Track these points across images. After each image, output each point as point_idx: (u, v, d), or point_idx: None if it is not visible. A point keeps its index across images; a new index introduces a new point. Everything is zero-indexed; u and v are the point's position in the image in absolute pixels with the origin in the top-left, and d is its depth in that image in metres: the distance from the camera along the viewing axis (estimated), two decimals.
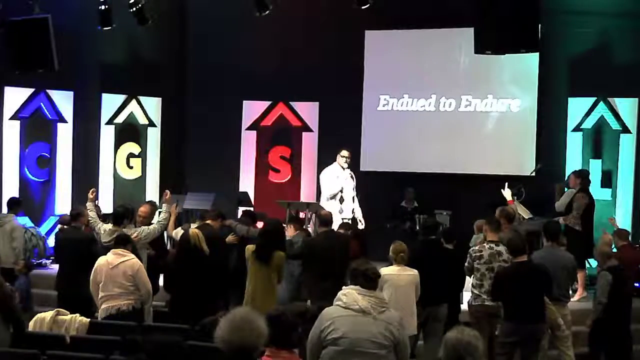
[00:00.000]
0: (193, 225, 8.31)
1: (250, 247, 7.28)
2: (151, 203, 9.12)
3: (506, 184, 9.73)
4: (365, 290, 4.62)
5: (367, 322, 4.51)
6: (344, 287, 4.78)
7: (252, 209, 11.05)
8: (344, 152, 10.35)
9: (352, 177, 10.35)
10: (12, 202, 9.76)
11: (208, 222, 8.20)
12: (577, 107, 11.50)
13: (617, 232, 8.79)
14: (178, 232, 8.46)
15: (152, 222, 8.27)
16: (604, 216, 10.24)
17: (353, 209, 10.21)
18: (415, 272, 7.04)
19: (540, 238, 8.11)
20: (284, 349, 3.97)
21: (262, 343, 3.52)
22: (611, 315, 7.27)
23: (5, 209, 10.74)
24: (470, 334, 3.58)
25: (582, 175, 9.72)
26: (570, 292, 8.14)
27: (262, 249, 7.11)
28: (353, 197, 10.27)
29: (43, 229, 11.25)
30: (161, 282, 8.42)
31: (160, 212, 8.53)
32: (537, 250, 7.82)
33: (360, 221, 10.17)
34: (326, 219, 7.87)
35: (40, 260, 10.32)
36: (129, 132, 12.68)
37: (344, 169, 10.29)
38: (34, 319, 6.47)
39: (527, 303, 6.65)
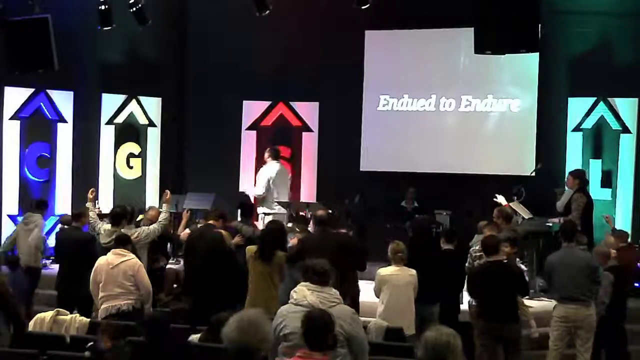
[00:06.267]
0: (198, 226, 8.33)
1: (251, 248, 7.28)
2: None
3: (495, 194, 9.77)
4: (315, 286, 4.62)
5: None
6: (298, 285, 4.76)
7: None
8: None
9: None
10: (39, 203, 10.09)
11: (210, 222, 8.18)
12: (577, 107, 11.50)
13: (616, 234, 8.78)
14: (187, 234, 8.46)
15: None
16: None
17: None
18: (414, 272, 7.05)
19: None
20: (316, 351, 3.95)
21: (264, 348, 3.51)
22: (612, 314, 7.36)
23: (15, 210, 10.93)
24: (448, 332, 3.53)
25: (580, 176, 9.71)
26: None
27: (265, 248, 7.15)
28: None
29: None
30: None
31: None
32: (555, 252, 7.49)
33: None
34: (322, 219, 7.66)
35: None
36: (129, 132, 12.67)
37: None
38: (34, 319, 6.47)
39: (495, 302, 6.70)
